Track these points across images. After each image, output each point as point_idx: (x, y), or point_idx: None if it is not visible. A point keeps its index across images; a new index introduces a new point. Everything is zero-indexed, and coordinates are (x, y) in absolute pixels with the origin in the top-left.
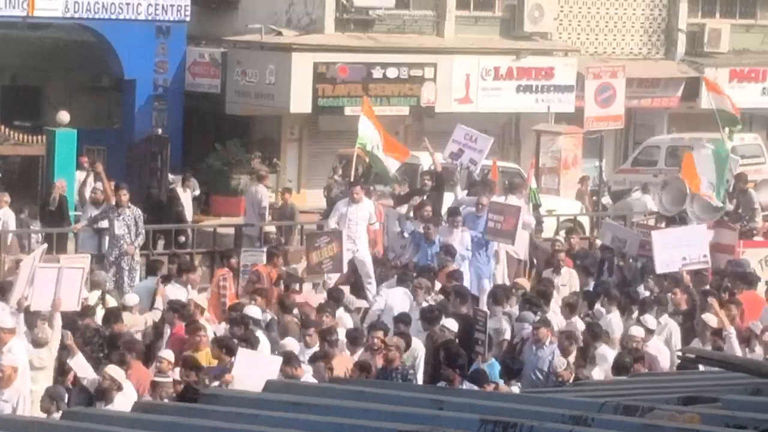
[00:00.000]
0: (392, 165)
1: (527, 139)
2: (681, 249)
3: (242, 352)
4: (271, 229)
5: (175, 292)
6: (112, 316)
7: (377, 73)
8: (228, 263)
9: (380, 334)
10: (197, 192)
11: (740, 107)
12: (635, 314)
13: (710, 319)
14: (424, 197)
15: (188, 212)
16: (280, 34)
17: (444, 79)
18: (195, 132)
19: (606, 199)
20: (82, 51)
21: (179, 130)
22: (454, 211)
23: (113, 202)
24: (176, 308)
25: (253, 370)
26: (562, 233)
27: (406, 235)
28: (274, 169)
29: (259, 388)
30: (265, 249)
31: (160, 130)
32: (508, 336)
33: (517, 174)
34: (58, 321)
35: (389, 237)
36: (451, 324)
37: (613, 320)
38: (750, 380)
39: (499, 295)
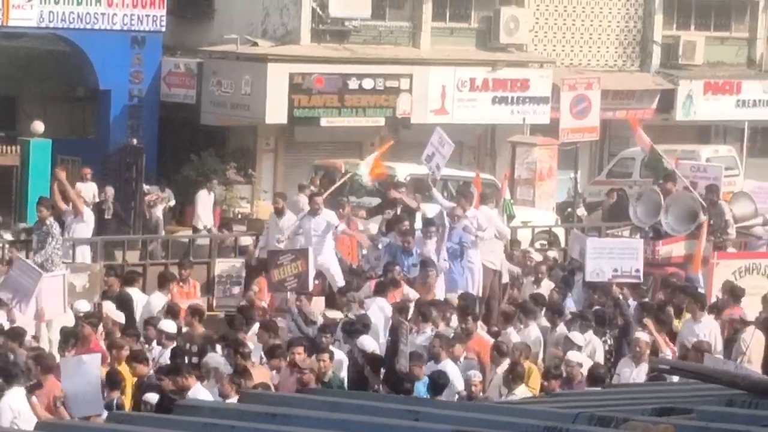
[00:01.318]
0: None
1: (502, 151)
2: (614, 260)
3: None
4: (248, 241)
5: (156, 301)
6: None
7: (353, 84)
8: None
9: (300, 350)
10: (172, 202)
11: (714, 120)
12: (559, 328)
13: (644, 337)
14: (397, 210)
15: (161, 224)
16: (255, 44)
17: (420, 90)
18: (170, 142)
19: (581, 211)
20: (57, 61)
21: (154, 141)
22: (428, 222)
23: (82, 209)
24: (92, 323)
25: (76, 373)
26: (538, 244)
27: (380, 246)
28: (249, 179)
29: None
30: (240, 260)
31: (135, 141)
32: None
33: (493, 185)
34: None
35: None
36: (369, 343)
37: (532, 334)
38: (724, 391)
39: (426, 313)
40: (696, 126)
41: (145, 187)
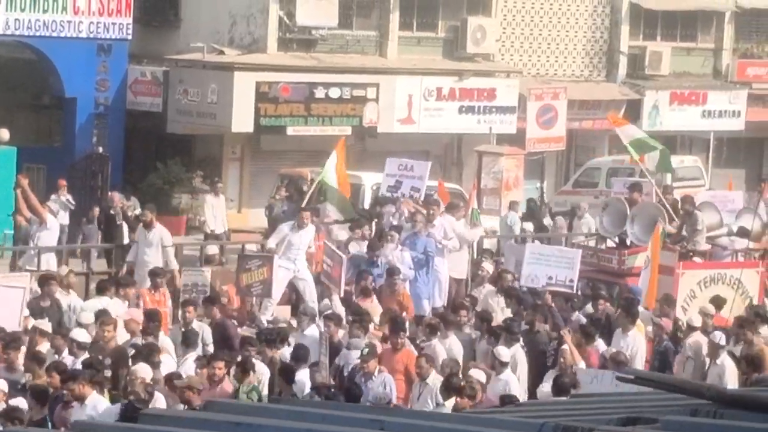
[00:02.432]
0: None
1: (469, 160)
2: (550, 268)
3: None
4: (213, 249)
5: (114, 307)
6: None
7: (319, 93)
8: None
9: (220, 365)
10: (138, 211)
11: (680, 130)
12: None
13: (567, 351)
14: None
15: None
16: (222, 53)
17: (386, 99)
18: (136, 150)
19: (547, 220)
20: (23, 69)
21: (120, 149)
22: (393, 229)
23: (45, 217)
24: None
25: None
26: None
27: (353, 251)
28: (215, 188)
29: None
30: (206, 269)
31: (101, 149)
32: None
33: (459, 195)
34: None
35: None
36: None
37: (453, 345)
38: (688, 401)
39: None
40: (662, 136)
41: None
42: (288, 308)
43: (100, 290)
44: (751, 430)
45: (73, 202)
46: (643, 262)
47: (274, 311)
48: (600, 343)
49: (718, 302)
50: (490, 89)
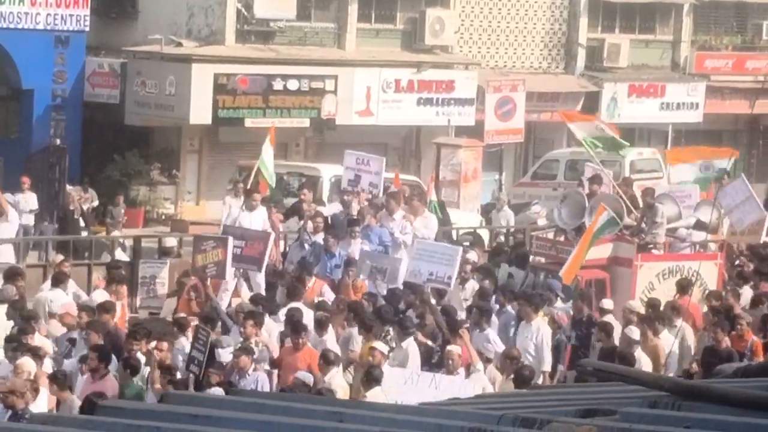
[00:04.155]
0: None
1: (427, 152)
2: (432, 264)
3: None
4: (171, 241)
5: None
6: None
7: (278, 85)
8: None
9: (93, 355)
10: (95, 203)
11: (639, 122)
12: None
13: (456, 350)
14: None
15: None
16: (180, 45)
17: (345, 91)
18: (94, 142)
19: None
20: None
21: (78, 141)
22: (352, 222)
23: (6, 209)
24: None
25: None
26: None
27: (306, 247)
28: (173, 180)
29: None
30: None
31: (58, 141)
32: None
33: (418, 187)
34: None
35: (290, 249)
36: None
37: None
38: (647, 393)
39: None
40: (620, 128)
41: (68, 188)
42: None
43: (56, 282)
44: (710, 421)
45: (36, 205)
46: (606, 254)
47: (231, 300)
48: (490, 332)
49: (683, 285)
50: (448, 81)
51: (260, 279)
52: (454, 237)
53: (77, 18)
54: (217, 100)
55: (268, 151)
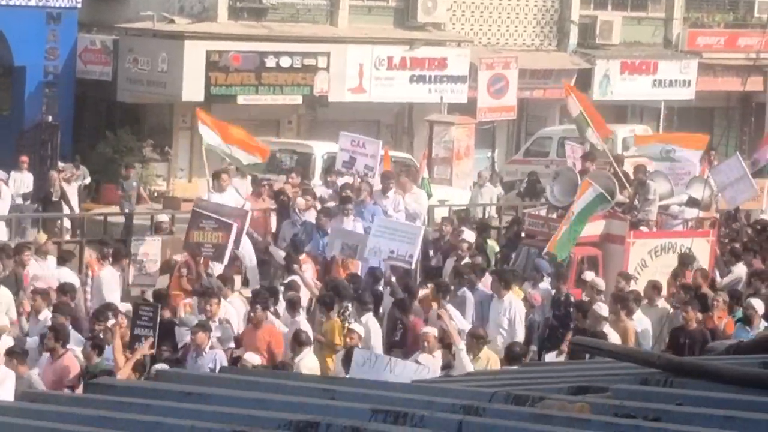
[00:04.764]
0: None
1: (420, 130)
2: (394, 242)
3: None
4: (163, 218)
5: (107, 276)
6: None
7: (270, 62)
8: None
9: (50, 335)
10: (87, 180)
11: (631, 99)
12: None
13: (432, 332)
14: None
15: (74, 203)
16: (172, 21)
17: (337, 68)
18: (86, 119)
19: (498, 190)
20: None
21: (70, 118)
22: (345, 199)
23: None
24: None
25: None
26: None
27: (297, 225)
28: (165, 157)
29: None
30: (157, 238)
31: (50, 118)
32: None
33: (410, 163)
34: None
35: (282, 227)
36: None
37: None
38: (639, 370)
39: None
40: (613, 105)
41: (60, 165)
42: (238, 277)
43: (62, 260)
44: (701, 398)
45: (31, 187)
46: (598, 230)
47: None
48: (451, 309)
49: (684, 260)
50: (441, 58)
51: (252, 255)
52: (447, 214)
53: None
54: (210, 77)
55: (208, 134)
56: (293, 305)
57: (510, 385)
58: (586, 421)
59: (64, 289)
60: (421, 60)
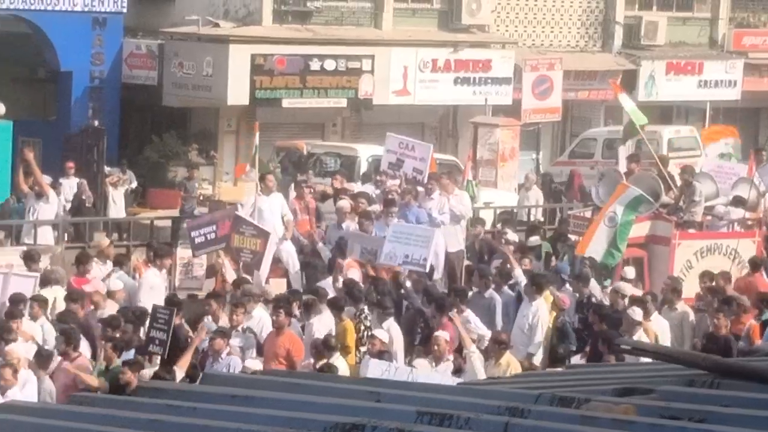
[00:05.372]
0: None
1: (465, 132)
2: (409, 246)
3: None
4: None
5: (151, 277)
6: None
7: (315, 65)
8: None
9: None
10: (134, 184)
11: (676, 100)
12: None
13: (443, 335)
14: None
15: (120, 207)
16: (217, 25)
17: (382, 71)
18: (132, 124)
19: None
20: (18, 42)
21: (116, 122)
22: (389, 203)
23: (47, 190)
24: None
25: None
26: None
27: (343, 226)
28: (210, 161)
29: None
30: None
31: (96, 122)
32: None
33: (455, 166)
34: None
35: (328, 230)
36: None
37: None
38: (684, 372)
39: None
40: (658, 106)
41: (107, 169)
42: (284, 281)
43: (118, 263)
44: (747, 399)
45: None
46: (644, 232)
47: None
48: (469, 314)
49: (755, 262)
50: (485, 60)
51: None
52: (492, 216)
53: (115, 0)
54: (255, 80)
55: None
56: (308, 308)
57: (555, 387)
58: (631, 423)
59: (73, 297)
60: (465, 62)
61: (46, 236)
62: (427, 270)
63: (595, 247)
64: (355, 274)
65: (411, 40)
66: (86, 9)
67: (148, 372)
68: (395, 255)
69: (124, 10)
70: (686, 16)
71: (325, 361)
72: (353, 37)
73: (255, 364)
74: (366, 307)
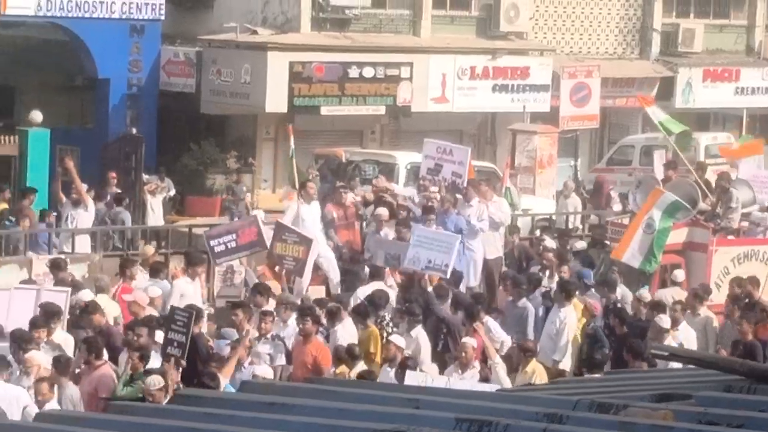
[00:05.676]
0: None
1: (503, 139)
2: (431, 252)
3: None
4: None
5: (182, 285)
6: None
7: (353, 73)
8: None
9: (83, 347)
10: (172, 192)
11: (713, 107)
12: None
13: (470, 342)
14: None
15: (158, 214)
16: (255, 33)
17: (420, 78)
18: (170, 131)
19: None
20: (55, 50)
21: (154, 130)
22: (427, 210)
23: (87, 200)
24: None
25: None
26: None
27: (381, 234)
28: (249, 168)
29: None
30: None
31: (134, 130)
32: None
33: (493, 173)
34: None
35: (368, 237)
36: None
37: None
38: (722, 377)
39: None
40: (695, 113)
41: (145, 177)
42: (323, 288)
43: (155, 272)
44: None
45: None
46: (681, 239)
47: (305, 290)
48: (489, 321)
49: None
50: (523, 67)
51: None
52: (529, 223)
53: (152, 7)
54: (293, 88)
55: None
56: (332, 316)
57: (593, 393)
58: (670, 429)
59: (88, 309)
60: (503, 69)
61: (84, 245)
62: (448, 276)
63: (632, 252)
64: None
65: (449, 47)
66: (124, 16)
67: (156, 379)
68: (419, 259)
69: (162, 18)
70: (723, 24)
71: (343, 368)
72: (392, 44)
73: (265, 371)
74: (387, 314)
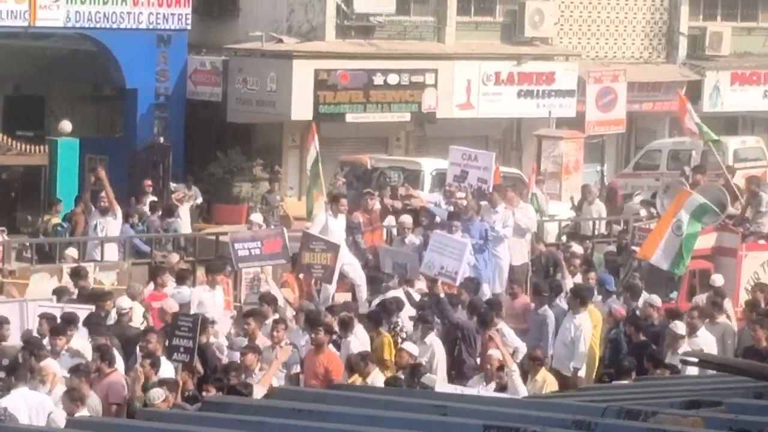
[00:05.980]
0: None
1: (528, 145)
2: (444, 258)
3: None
4: None
5: (200, 293)
6: None
7: (378, 80)
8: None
9: (95, 355)
10: (199, 200)
11: (741, 110)
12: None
13: (496, 354)
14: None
15: (186, 222)
16: (280, 41)
17: (445, 84)
18: (196, 140)
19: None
20: (84, 60)
21: (181, 139)
22: (452, 216)
23: (116, 208)
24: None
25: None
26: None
27: (406, 241)
28: (275, 176)
29: None
30: None
31: (161, 139)
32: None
33: (519, 179)
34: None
35: (393, 244)
36: None
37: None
38: (752, 384)
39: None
40: (723, 117)
41: (172, 185)
42: (349, 295)
43: (180, 279)
44: None
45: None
46: (710, 244)
47: (332, 297)
48: (503, 326)
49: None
50: (548, 73)
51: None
52: (555, 229)
53: (179, 17)
54: (318, 95)
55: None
56: (345, 325)
57: (622, 400)
58: None
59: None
60: (528, 75)
61: (112, 253)
62: (457, 283)
63: (660, 254)
64: (418, 286)
65: (474, 53)
66: (151, 27)
67: (158, 392)
68: (433, 265)
69: (189, 28)
70: (751, 26)
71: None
72: (416, 51)
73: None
74: (400, 320)
